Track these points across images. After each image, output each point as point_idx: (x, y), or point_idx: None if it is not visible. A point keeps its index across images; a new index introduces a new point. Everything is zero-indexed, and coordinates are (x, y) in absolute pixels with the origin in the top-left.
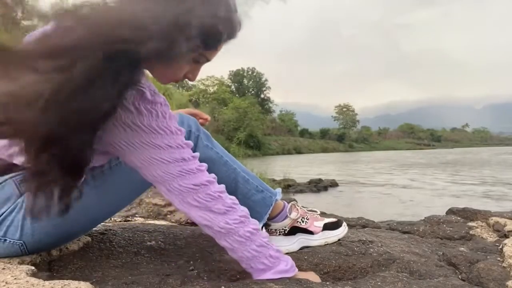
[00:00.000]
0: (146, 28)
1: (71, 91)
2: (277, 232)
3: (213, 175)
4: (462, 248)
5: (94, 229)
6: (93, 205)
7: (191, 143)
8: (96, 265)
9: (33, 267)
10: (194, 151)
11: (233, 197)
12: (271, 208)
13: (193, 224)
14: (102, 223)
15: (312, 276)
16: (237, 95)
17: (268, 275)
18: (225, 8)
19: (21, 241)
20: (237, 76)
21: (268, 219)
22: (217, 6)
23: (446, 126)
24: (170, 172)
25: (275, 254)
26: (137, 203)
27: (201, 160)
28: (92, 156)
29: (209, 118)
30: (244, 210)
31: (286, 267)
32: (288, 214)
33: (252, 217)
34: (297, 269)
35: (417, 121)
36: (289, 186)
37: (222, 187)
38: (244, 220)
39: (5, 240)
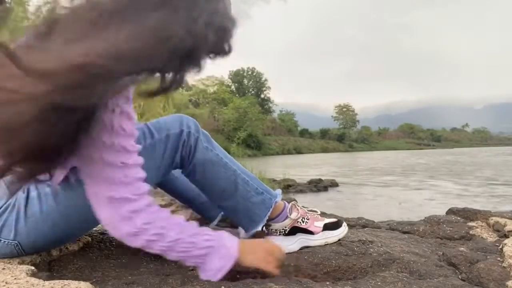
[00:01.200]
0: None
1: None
2: (277, 232)
3: (143, 188)
4: (462, 248)
5: (94, 229)
6: (88, 206)
7: (136, 158)
8: (96, 265)
9: (33, 267)
10: (193, 153)
11: (154, 211)
12: (270, 210)
13: None
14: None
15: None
16: (237, 95)
17: (209, 273)
18: (218, 28)
19: (16, 241)
20: (237, 76)
21: (269, 219)
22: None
23: (446, 126)
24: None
25: (200, 253)
26: None
27: (201, 162)
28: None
29: None
30: (159, 226)
31: (220, 263)
32: (289, 215)
33: (251, 219)
34: (233, 255)
35: (417, 121)
36: (289, 186)
37: (143, 203)
38: (157, 239)
39: (0, 240)
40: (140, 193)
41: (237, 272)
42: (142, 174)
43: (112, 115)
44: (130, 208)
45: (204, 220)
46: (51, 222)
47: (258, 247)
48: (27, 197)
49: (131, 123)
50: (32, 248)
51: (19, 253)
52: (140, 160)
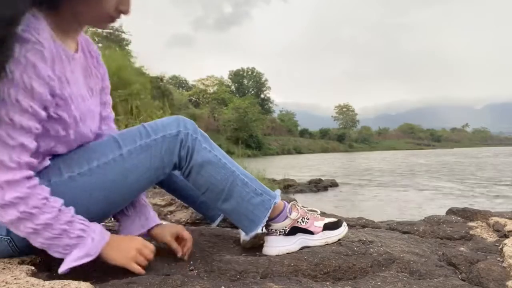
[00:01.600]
0: None
1: None
2: (277, 232)
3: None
4: (462, 248)
5: None
6: (80, 203)
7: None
8: (96, 265)
9: (33, 267)
10: (192, 153)
11: (31, 186)
12: (269, 211)
13: (193, 224)
14: (101, 224)
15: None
16: (237, 95)
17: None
18: None
19: (9, 237)
20: (237, 76)
21: (268, 219)
22: None
23: (446, 126)
24: None
25: (70, 243)
26: None
27: (200, 163)
28: None
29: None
30: (31, 205)
31: (80, 255)
32: (288, 215)
33: (251, 220)
34: (96, 250)
35: (417, 121)
36: (289, 186)
37: (21, 175)
38: (26, 218)
39: None
40: (21, 162)
41: (238, 272)
42: (32, 144)
43: (15, 65)
44: (3, 177)
45: (205, 219)
46: None
47: (128, 245)
48: None
49: (39, 82)
50: (27, 246)
51: (13, 251)
52: (36, 128)
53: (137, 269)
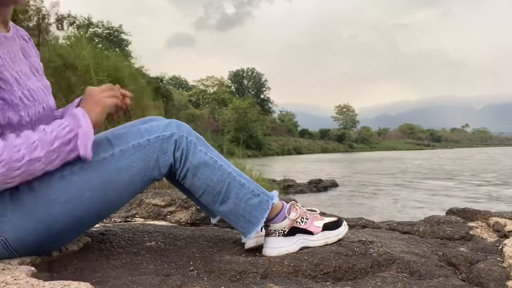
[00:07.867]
0: None
1: None
2: (276, 233)
3: None
4: (462, 248)
5: (94, 229)
6: (72, 203)
7: None
8: (96, 265)
9: (33, 268)
10: (187, 156)
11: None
12: (267, 212)
13: (193, 224)
14: (101, 224)
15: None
16: (237, 95)
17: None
18: None
19: (2, 238)
20: (237, 76)
21: (267, 220)
22: None
23: (446, 126)
24: None
25: (69, 148)
26: (137, 203)
27: (195, 165)
28: None
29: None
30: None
31: (85, 139)
32: (287, 215)
33: (249, 221)
34: (91, 128)
35: (417, 122)
36: (289, 187)
37: None
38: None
39: None
40: None
41: (238, 272)
42: None
43: None
44: None
45: (206, 218)
46: (35, 218)
47: (97, 96)
48: (11, 193)
49: None
50: (23, 247)
51: (8, 252)
52: None
53: (112, 101)
